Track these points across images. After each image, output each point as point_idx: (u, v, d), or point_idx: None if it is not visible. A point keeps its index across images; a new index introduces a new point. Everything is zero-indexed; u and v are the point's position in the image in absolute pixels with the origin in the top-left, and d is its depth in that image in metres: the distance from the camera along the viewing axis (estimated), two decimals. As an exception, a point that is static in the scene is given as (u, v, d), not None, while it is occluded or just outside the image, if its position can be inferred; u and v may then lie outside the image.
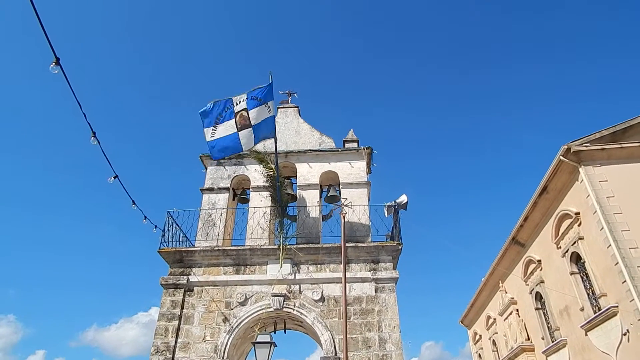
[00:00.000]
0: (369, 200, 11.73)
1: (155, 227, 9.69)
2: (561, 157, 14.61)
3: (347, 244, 10.27)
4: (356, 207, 10.97)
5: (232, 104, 10.27)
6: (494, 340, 24.02)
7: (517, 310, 20.38)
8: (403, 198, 10.95)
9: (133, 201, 7.66)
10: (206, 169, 12.22)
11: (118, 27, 54.13)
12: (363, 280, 10.02)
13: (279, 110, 13.25)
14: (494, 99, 67.08)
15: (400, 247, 10.21)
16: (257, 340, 7.87)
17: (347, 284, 10.00)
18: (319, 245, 10.32)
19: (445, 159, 70.48)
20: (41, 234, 64.01)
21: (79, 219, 63.04)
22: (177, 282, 10.08)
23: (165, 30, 57.40)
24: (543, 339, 18.00)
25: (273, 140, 10.67)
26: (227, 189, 11.79)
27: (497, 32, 60.40)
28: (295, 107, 13.30)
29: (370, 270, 10.11)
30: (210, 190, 11.76)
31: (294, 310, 9.74)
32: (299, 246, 10.31)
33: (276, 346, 7.98)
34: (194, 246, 10.63)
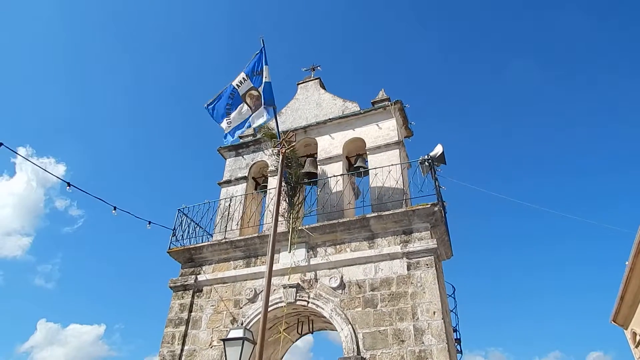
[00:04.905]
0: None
1: (150, 222, 8.76)
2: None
3: (368, 215, 8.20)
4: (379, 169, 8.83)
5: (235, 88, 9.47)
6: (659, 341, 18.47)
7: (682, 297, 15.27)
8: (438, 149, 8.63)
9: (68, 184, 6.80)
10: (226, 161, 11.21)
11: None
12: (392, 257, 7.80)
13: (299, 86, 11.80)
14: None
15: (436, 209, 7.77)
16: (228, 336, 6.23)
17: (373, 264, 7.91)
18: (334, 222, 8.35)
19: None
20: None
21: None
22: (186, 283, 8.97)
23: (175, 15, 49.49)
24: None
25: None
26: (244, 178, 10.54)
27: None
28: (316, 79, 11.67)
29: (400, 244, 7.83)
30: (228, 182, 10.64)
31: (308, 302, 7.91)
32: (311, 226, 8.52)
33: (255, 344, 6.23)
34: (206, 242, 9.49)
